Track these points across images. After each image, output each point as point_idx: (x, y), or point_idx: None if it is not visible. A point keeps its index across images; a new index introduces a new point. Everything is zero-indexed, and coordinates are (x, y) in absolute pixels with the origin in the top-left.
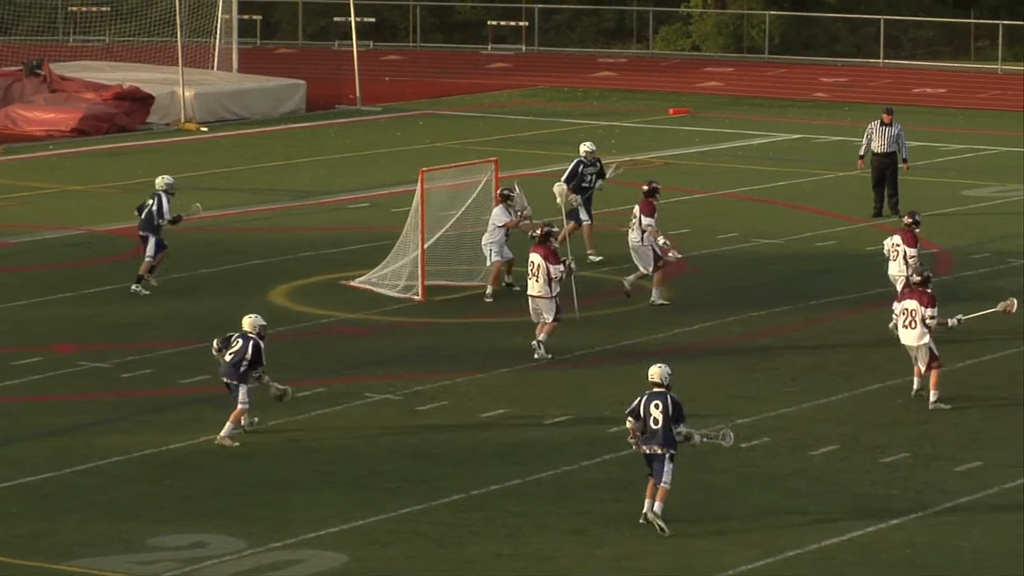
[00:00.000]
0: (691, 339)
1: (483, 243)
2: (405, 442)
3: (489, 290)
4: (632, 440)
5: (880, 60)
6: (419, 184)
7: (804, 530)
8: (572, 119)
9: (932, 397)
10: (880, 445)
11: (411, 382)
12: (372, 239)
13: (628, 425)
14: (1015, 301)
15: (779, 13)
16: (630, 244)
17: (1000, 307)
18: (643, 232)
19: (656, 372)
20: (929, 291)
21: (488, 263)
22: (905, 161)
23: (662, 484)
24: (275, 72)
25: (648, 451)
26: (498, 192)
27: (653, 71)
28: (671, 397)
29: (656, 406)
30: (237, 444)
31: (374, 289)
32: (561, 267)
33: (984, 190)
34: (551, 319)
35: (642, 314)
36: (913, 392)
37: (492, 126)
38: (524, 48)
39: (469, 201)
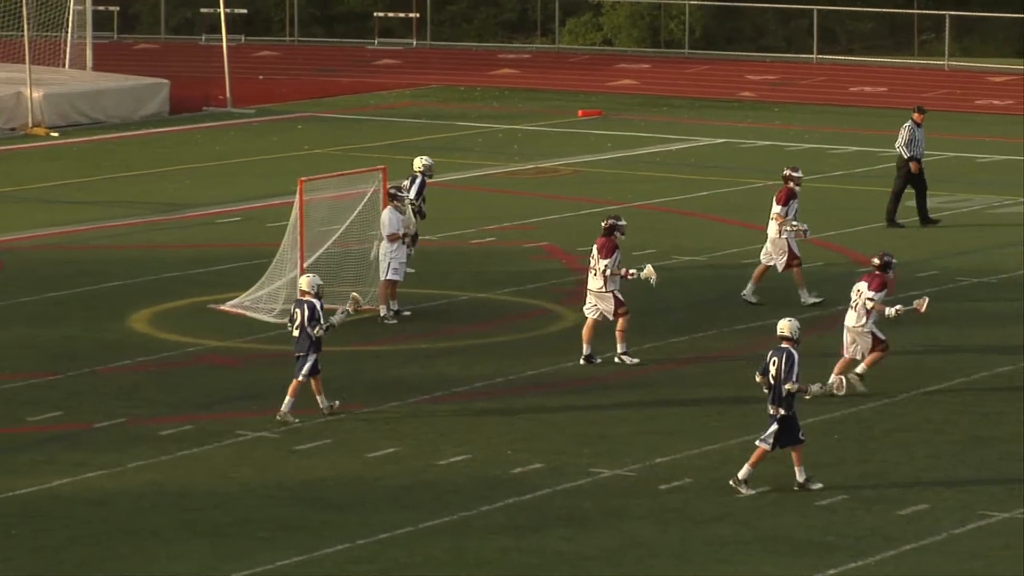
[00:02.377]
0: (604, 369)
1: (382, 254)
2: (282, 485)
3: (383, 311)
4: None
5: (813, 55)
6: (298, 195)
7: None
8: (469, 122)
9: (859, 369)
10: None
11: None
12: (245, 257)
13: (757, 379)
14: (927, 300)
15: (701, 3)
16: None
17: (915, 304)
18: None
19: (785, 326)
20: (881, 274)
21: (382, 277)
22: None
23: (797, 447)
24: (134, 70)
25: (772, 411)
26: (386, 191)
27: (560, 68)
28: (787, 352)
29: (774, 363)
30: (297, 421)
31: (247, 314)
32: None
33: (932, 200)
34: (615, 315)
35: (549, 341)
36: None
37: (379, 130)
38: (415, 43)
39: (354, 215)
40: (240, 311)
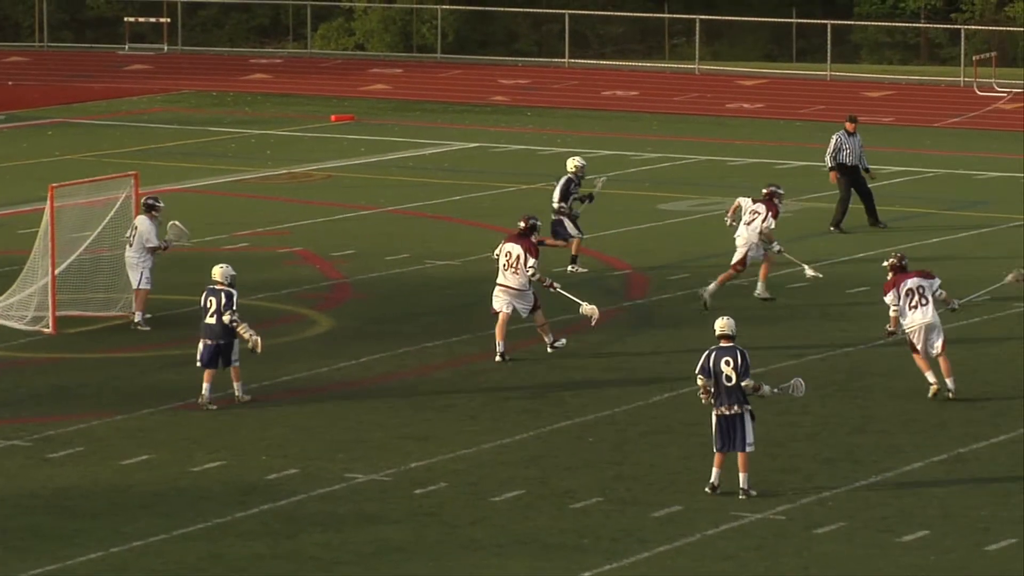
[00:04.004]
0: (359, 373)
1: (131, 263)
2: (35, 493)
3: (138, 316)
4: (703, 397)
5: (566, 60)
6: (48, 202)
7: None
8: (221, 127)
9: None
10: (570, 489)
11: (41, 426)
12: None
13: (699, 382)
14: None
15: (453, 8)
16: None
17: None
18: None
19: (724, 324)
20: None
21: (136, 285)
22: (867, 171)
23: (745, 450)
24: None
25: (727, 412)
26: (142, 201)
27: (312, 73)
28: (739, 350)
29: (727, 362)
30: (249, 398)
31: None
32: (535, 262)
33: (682, 203)
34: (531, 310)
35: (304, 346)
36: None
37: (131, 136)
38: (166, 48)
39: (106, 221)
40: None
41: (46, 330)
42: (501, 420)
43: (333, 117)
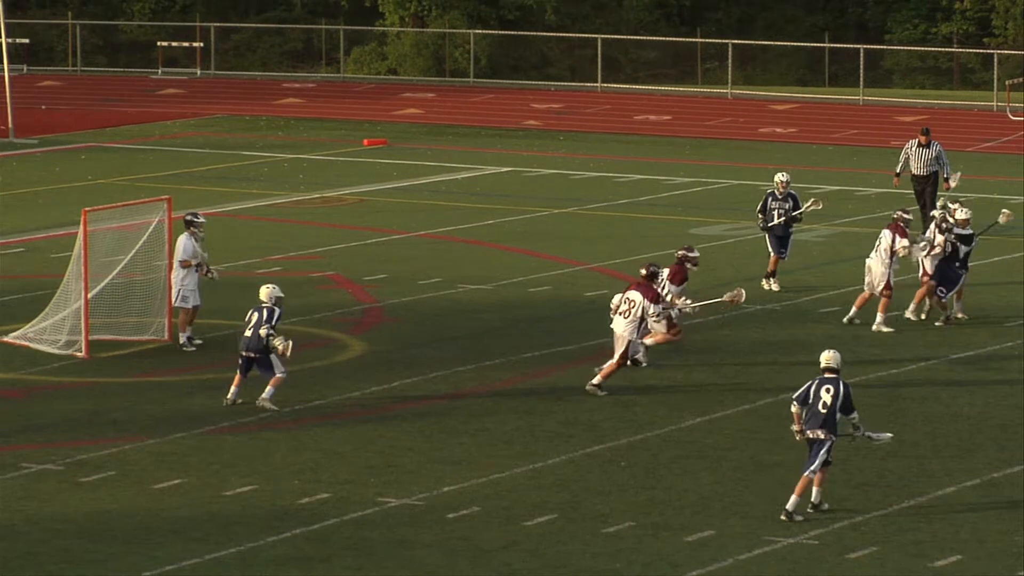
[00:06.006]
0: (391, 398)
1: (173, 281)
2: (68, 518)
3: (182, 337)
4: (795, 428)
5: (598, 84)
6: (81, 226)
7: None
8: (254, 151)
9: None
10: (602, 514)
11: (74, 450)
12: (28, 288)
13: (793, 410)
14: (743, 291)
15: (485, 32)
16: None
17: (727, 296)
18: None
19: (830, 357)
20: (680, 267)
21: (175, 304)
22: (947, 180)
23: (807, 473)
24: None
25: (811, 435)
26: (184, 218)
27: (345, 97)
28: (843, 383)
29: (827, 390)
30: (276, 408)
31: (31, 345)
32: (654, 308)
33: (714, 228)
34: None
35: (336, 371)
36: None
37: (163, 160)
38: (199, 72)
39: (139, 245)
40: (24, 343)
41: (79, 354)
42: (533, 444)
43: (366, 141)
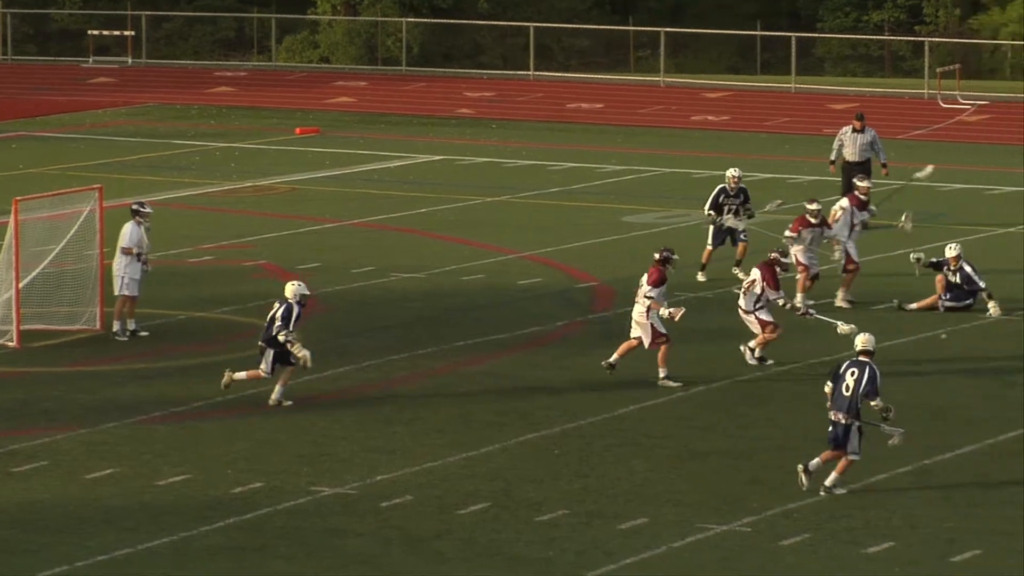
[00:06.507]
0: (324, 387)
1: (115, 272)
2: (0, 508)
3: (117, 326)
4: (829, 406)
5: (530, 72)
6: (12, 215)
7: None
8: (186, 140)
9: (661, 374)
10: (536, 502)
11: (6, 440)
12: None
13: (826, 390)
14: (683, 309)
15: (418, 20)
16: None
17: (665, 313)
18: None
19: (864, 339)
20: (658, 268)
21: (117, 292)
22: (884, 166)
23: (849, 456)
24: None
25: (834, 417)
26: (131, 206)
27: (277, 86)
28: (871, 367)
29: (852, 373)
30: (290, 403)
31: None
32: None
33: (647, 216)
34: (651, 343)
35: None
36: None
37: (95, 149)
38: (131, 61)
39: (71, 234)
40: None
41: (10, 344)
42: (467, 433)
43: (298, 130)
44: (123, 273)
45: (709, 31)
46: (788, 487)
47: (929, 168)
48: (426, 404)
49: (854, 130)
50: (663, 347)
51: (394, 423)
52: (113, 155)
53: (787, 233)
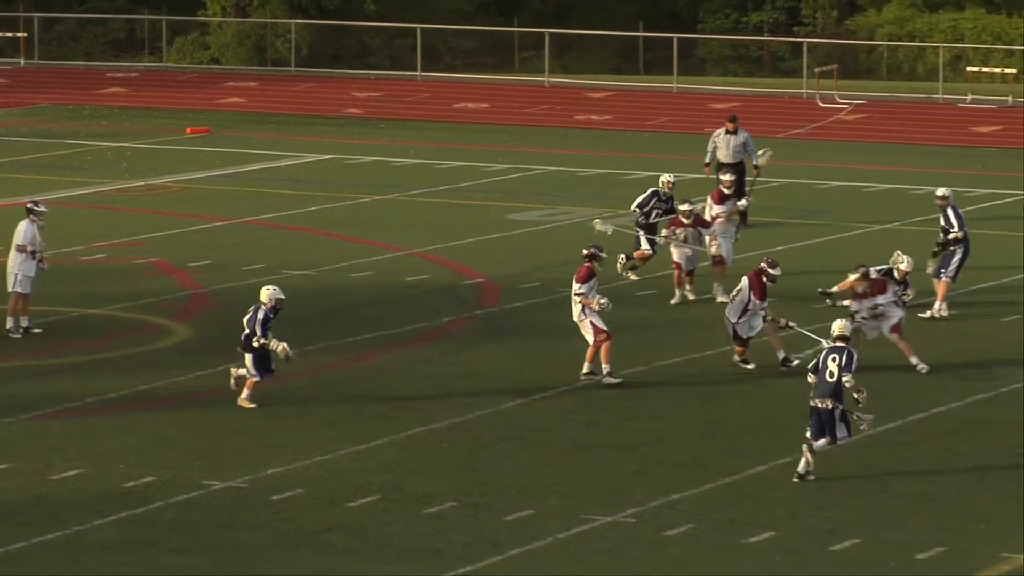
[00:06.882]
0: (216, 382)
1: (9, 269)
2: None
3: (10, 323)
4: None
5: (418, 73)
6: None
7: None
8: (78, 140)
9: (604, 370)
10: (425, 494)
11: None
12: None
13: (809, 380)
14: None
15: (306, 22)
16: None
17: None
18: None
19: (842, 325)
20: (588, 265)
21: (11, 288)
22: (756, 167)
23: (837, 441)
24: None
25: (820, 404)
26: (25, 205)
27: (168, 86)
28: (849, 350)
29: (833, 360)
30: (254, 406)
31: None
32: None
33: (532, 213)
34: (594, 343)
35: (161, 356)
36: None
37: None
38: (23, 62)
39: None
40: None
41: None
42: (357, 427)
43: (189, 130)
44: (17, 271)
45: (593, 32)
46: (671, 479)
47: (768, 152)
48: (316, 399)
49: (727, 132)
50: (605, 344)
51: (285, 417)
52: (7, 155)
53: (663, 233)
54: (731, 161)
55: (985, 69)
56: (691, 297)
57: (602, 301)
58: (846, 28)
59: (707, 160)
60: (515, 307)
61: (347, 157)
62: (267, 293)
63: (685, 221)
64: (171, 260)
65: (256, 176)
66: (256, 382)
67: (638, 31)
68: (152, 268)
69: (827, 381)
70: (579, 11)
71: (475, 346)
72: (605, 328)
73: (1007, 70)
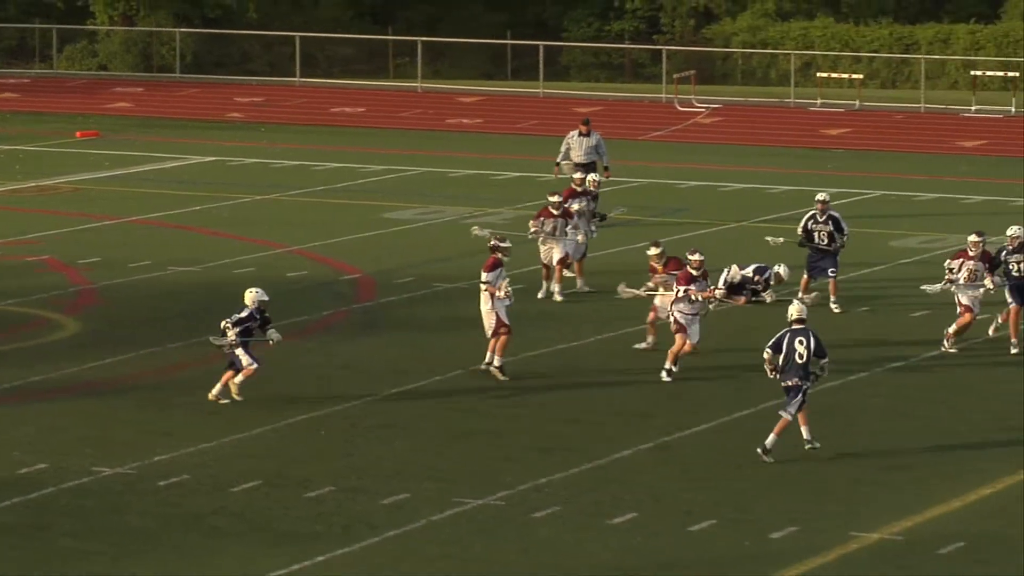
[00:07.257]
0: (105, 374)
1: None
2: None
3: None
4: (769, 369)
5: (296, 79)
6: None
7: (230, 572)
8: None
9: (496, 362)
10: (304, 479)
11: None
12: None
13: (765, 356)
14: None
15: (190, 31)
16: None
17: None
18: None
19: (799, 309)
20: (493, 256)
21: None
22: (607, 169)
23: (786, 415)
24: None
25: (790, 383)
26: None
27: (59, 92)
28: (812, 332)
29: (801, 342)
30: (241, 398)
31: None
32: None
33: (406, 212)
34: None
35: (51, 349)
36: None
37: None
38: None
39: None
40: None
41: None
42: (240, 416)
43: (79, 133)
44: None
45: (463, 40)
46: (540, 464)
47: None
48: (202, 388)
49: (580, 134)
50: (503, 337)
51: (172, 407)
52: None
53: (530, 225)
54: (584, 161)
55: (834, 75)
56: (557, 291)
57: (508, 289)
58: (703, 36)
59: (558, 160)
60: (391, 301)
61: (230, 159)
62: (251, 296)
63: (555, 212)
64: (62, 257)
65: (143, 177)
66: (255, 369)
67: (506, 39)
68: (43, 265)
69: (797, 363)
70: (450, 20)
71: (353, 338)
72: (507, 323)
73: (854, 76)
